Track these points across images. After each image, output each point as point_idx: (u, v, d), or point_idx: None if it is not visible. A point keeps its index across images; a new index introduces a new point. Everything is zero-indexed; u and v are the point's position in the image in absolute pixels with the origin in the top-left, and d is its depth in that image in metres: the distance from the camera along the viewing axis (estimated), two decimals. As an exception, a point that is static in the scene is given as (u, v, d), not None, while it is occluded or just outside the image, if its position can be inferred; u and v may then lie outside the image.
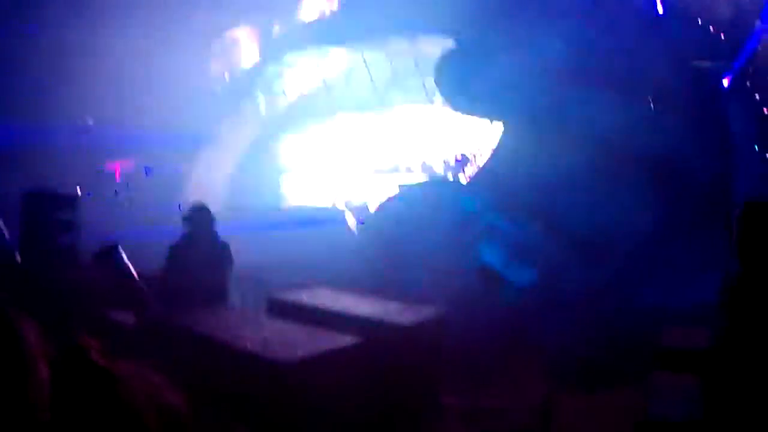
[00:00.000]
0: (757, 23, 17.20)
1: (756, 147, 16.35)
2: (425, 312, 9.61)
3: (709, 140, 16.46)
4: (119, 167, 26.11)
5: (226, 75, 28.29)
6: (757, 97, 16.63)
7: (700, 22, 17.67)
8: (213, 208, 10.87)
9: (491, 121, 21.14)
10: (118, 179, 25.97)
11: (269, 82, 27.58)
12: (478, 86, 19.16)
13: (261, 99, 27.53)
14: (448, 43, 20.68)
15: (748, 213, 5.16)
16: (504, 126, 20.05)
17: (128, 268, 11.22)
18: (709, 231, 15.07)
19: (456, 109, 20.70)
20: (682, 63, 17.18)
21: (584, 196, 17.00)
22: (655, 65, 17.27)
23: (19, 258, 12.55)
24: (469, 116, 21.28)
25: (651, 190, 16.76)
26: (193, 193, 24.00)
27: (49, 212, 12.80)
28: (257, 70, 27.27)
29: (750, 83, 16.94)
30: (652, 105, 17.24)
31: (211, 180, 25.94)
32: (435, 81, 20.61)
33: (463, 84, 19.60)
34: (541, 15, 18.81)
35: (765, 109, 16.47)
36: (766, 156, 16.30)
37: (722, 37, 17.42)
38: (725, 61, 17.19)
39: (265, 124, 27.74)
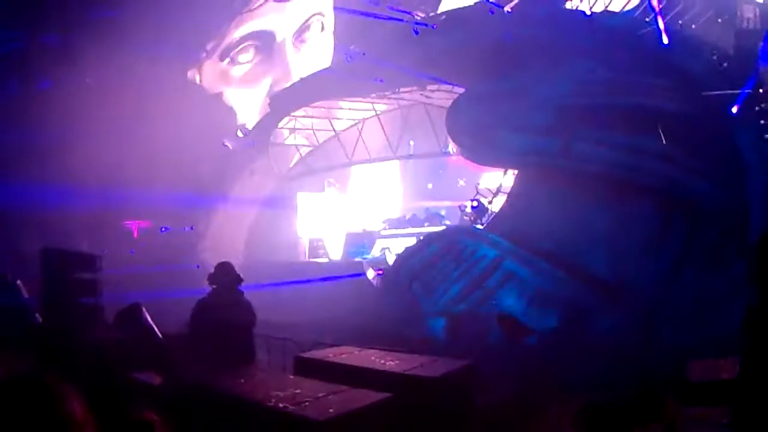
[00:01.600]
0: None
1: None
2: (454, 364, 9.57)
3: (722, 171, 16.45)
4: (136, 226, 26.26)
5: (239, 132, 28.48)
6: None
7: (706, 53, 17.80)
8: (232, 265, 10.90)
9: (505, 170, 21.20)
10: (135, 236, 26.12)
11: (281, 137, 27.74)
12: (490, 132, 19.27)
13: (273, 154, 27.61)
14: (460, 91, 20.83)
15: (765, 244, 5.14)
16: (518, 172, 20.08)
17: (152, 327, 11.23)
18: (728, 262, 15.07)
19: (469, 156, 20.72)
20: (691, 95, 17.26)
21: (602, 238, 17.03)
22: (665, 99, 17.36)
23: (39, 318, 12.54)
24: (483, 164, 21.34)
25: (668, 227, 16.77)
26: (211, 251, 24.17)
27: (70, 271, 12.78)
28: (269, 125, 27.41)
29: (760, 110, 16.97)
30: (662, 139, 17.29)
31: (228, 237, 26.11)
32: (447, 128, 20.66)
33: (475, 130, 19.68)
34: (550, 56, 18.96)
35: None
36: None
37: (729, 66, 17.51)
38: (734, 90, 17.23)
39: (279, 179, 27.80)
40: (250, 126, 28.83)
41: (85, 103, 22.94)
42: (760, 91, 16.92)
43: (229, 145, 28.29)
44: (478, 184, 23.31)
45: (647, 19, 18.86)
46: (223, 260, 10.93)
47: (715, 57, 17.67)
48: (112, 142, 22.99)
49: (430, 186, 26.72)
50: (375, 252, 24.72)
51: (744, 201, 15.83)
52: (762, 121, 16.44)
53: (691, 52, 17.94)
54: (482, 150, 19.83)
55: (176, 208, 25.67)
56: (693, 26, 18.74)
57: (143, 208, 25.33)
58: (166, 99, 24.88)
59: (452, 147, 22.13)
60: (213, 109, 29.10)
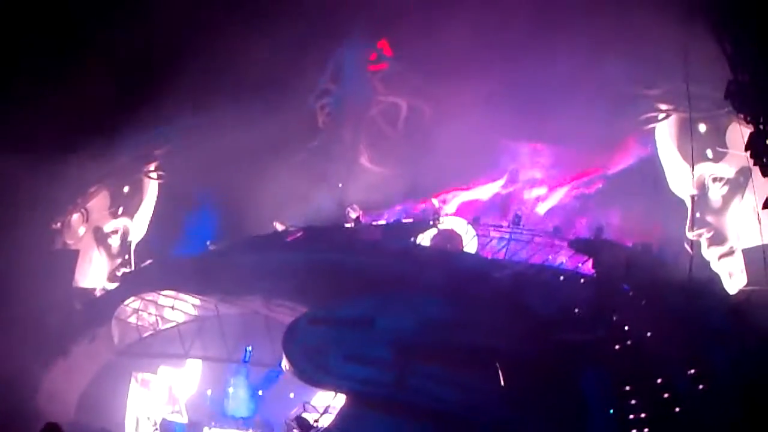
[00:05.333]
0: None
1: (612, 411, 16.87)
2: None
3: (562, 411, 16.84)
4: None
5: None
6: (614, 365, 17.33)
7: (561, 299, 18.52)
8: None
9: (335, 393, 21.17)
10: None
11: (126, 313, 27.39)
12: (325, 357, 19.37)
13: (116, 327, 27.19)
14: (302, 311, 20.97)
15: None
16: (347, 396, 20.07)
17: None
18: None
19: (302, 377, 20.65)
20: (542, 336, 17.80)
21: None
22: (513, 340, 17.88)
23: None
24: (314, 386, 21.27)
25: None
26: (47, 403, 23.92)
27: None
28: (116, 298, 27.14)
29: (610, 352, 17.58)
30: (501, 379, 17.60)
31: (62, 394, 25.78)
32: (283, 346, 20.65)
33: (310, 352, 19.74)
34: (398, 290, 19.38)
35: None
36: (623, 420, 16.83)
37: (582, 311, 18.20)
38: (585, 333, 17.84)
39: (118, 353, 27.28)
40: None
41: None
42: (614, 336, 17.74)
43: (77, 305, 28.04)
44: (308, 402, 23.18)
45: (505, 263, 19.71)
46: (51, 421, 10.77)
47: (572, 306, 18.50)
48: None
49: (260, 392, 26.45)
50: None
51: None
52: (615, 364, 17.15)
53: (547, 298, 18.67)
54: (315, 373, 19.91)
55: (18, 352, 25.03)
56: (561, 278, 19.64)
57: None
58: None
59: (286, 363, 22.03)
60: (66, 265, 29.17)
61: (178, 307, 25.78)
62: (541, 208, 26.83)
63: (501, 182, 27.50)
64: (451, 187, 27.38)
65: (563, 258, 21.75)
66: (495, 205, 27.44)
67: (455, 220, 24.59)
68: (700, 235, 23.85)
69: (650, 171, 25.66)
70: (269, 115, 26.93)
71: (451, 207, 27.18)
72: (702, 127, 23.99)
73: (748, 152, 17.67)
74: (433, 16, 25.21)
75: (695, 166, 23.14)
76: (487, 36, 25.11)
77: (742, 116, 18.82)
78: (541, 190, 26.91)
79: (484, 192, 27.51)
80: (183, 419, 25.91)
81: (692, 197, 24.14)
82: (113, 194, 31.50)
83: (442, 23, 24.78)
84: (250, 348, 24.50)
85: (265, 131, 26.75)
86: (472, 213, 26.78)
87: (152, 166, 31.37)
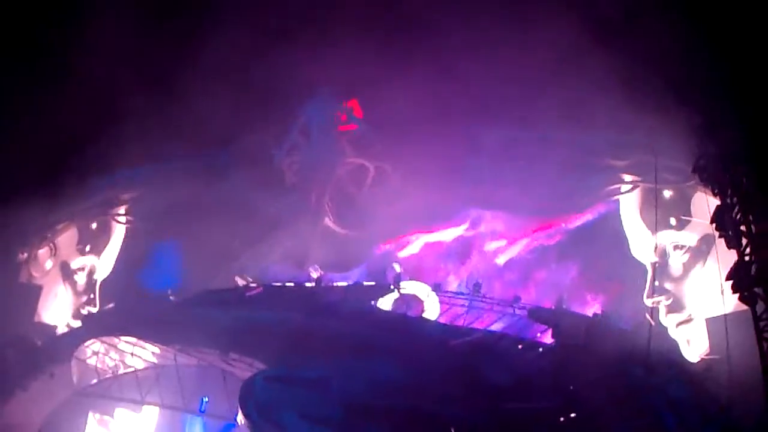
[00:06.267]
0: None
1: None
2: None
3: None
4: None
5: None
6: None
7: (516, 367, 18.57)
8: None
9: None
10: None
11: (86, 354, 27.34)
12: (279, 413, 19.34)
13: (75, 367, 27.13)
14: (259, 366, 20.97)
15: None
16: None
17: None
18: None
19: (254, 432, 20.65)
20: (494, 404, 17.78)
21: None
22: (464, 407, 17.87)
23: None
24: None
25: None
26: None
27: None
28: (76, 339, 27.22)
29: (564, 421, 17.63)
30: None
31: (22, 425, 26.29)
32: (239, 400, 20.54)
33: (265, 409, 19.70)
34: (352, 352, 19.38)
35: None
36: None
37: (538, 380, 18.26)
38: (539, 402, 17.87)
39: (76, 392, 27.22)
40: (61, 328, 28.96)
41: None
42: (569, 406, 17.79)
43: (38, 341, 28.04)
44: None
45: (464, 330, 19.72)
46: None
47: (528, 375, 18.56)
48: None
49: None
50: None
51: None
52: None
53: (503, 366, 18.74)
54: (269, 429, 19.79)
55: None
56: (519, 346, 19.70)
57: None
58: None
59: (241, 418, 21.98)
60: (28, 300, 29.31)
61: (138, 353, 25.73)
62: (501, 259, 27.19)
63: (464, 227, 27.92)
64: (414, 230, 27.87)
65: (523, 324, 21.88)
66: (457, 247, 28.02)
67: (417, 285, 25.06)
68: (658, 303, 23.97)
69: (612, 226, 25.97)
70: (237, 167, 27.32)
71: (415, 248, 27.74)
72: (667, 193, 24.33)
73: (714, 225, 18.01)
74: (396, 83, 25.33)
75: (657, 234, 23.42)
76: (451, 105, 25.48)
77: (709, 189, 19.09)
78: (500, 243, 27.30)
79: (447, 235, 28.02)
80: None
81: (653, 265, 24.37)
82: (81, 231, 31.81)
83: (410, 88, 24.98)
84: (206, 399, 24.47)
85: (232, 183, 27.15)
86: (435, 254, 27.34)
87: (121, 210, 31.85)
